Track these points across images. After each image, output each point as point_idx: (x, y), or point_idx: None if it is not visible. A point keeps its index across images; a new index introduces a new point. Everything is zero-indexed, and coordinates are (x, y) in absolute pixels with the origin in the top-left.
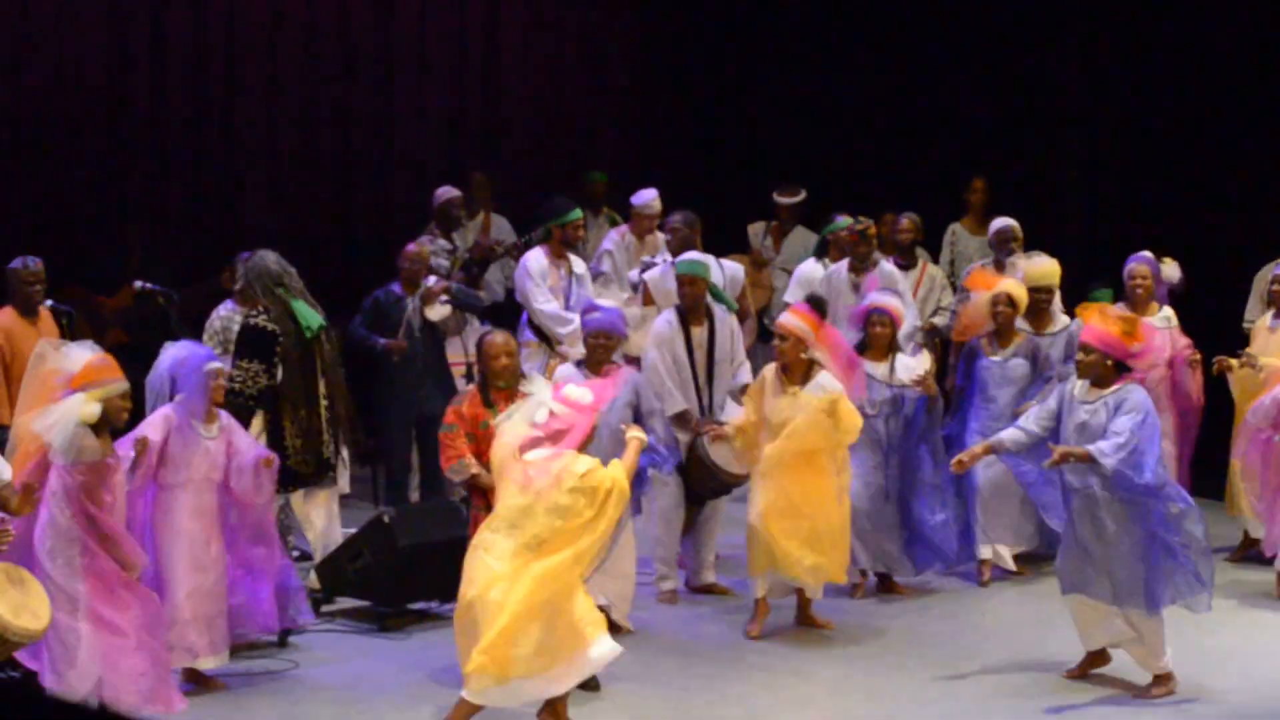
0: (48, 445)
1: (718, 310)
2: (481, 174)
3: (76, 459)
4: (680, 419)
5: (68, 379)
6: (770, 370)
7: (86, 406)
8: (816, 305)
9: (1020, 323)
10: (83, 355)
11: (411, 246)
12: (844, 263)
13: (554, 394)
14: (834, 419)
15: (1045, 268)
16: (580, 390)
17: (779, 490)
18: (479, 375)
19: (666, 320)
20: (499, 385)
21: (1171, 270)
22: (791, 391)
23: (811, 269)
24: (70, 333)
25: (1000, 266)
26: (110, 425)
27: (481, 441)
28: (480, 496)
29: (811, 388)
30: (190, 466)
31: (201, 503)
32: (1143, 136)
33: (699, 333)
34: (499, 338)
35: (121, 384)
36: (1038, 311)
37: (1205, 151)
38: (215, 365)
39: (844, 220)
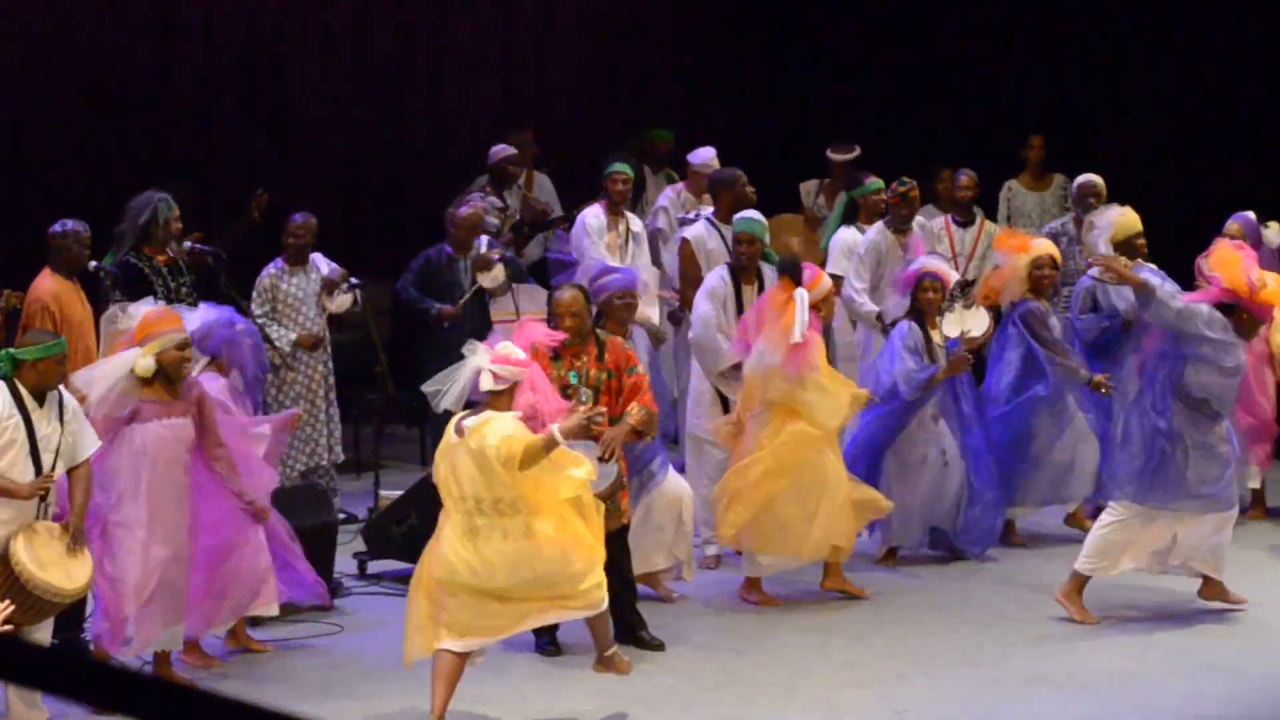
0: (85, 398)
1: (768, 270)
2: (519, 132)
3: (109, 413)
4: (735, 372)
5: (130, 336)
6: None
7: (141, 360)
8: (790, 268)
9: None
10: (142, 310)
11: (465, 209)
12: (878, 226)
13: (491, 358)
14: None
15: (1131, 217)
16: (511, 345)
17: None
18: None
19: (720, 276)
20: (566, 343)
21: (1273, 235)
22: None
23: (848, 236)
24: (112, 299)
25: (1079, 222)
26: (168, 376)
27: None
28: None
29: None
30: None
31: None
32: (1204, 89)
33: (750, 292)
34: (567, 294)
35: (178, 334)
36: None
37: (1271, 105)
38: (242, 326)
39: (874, 182)
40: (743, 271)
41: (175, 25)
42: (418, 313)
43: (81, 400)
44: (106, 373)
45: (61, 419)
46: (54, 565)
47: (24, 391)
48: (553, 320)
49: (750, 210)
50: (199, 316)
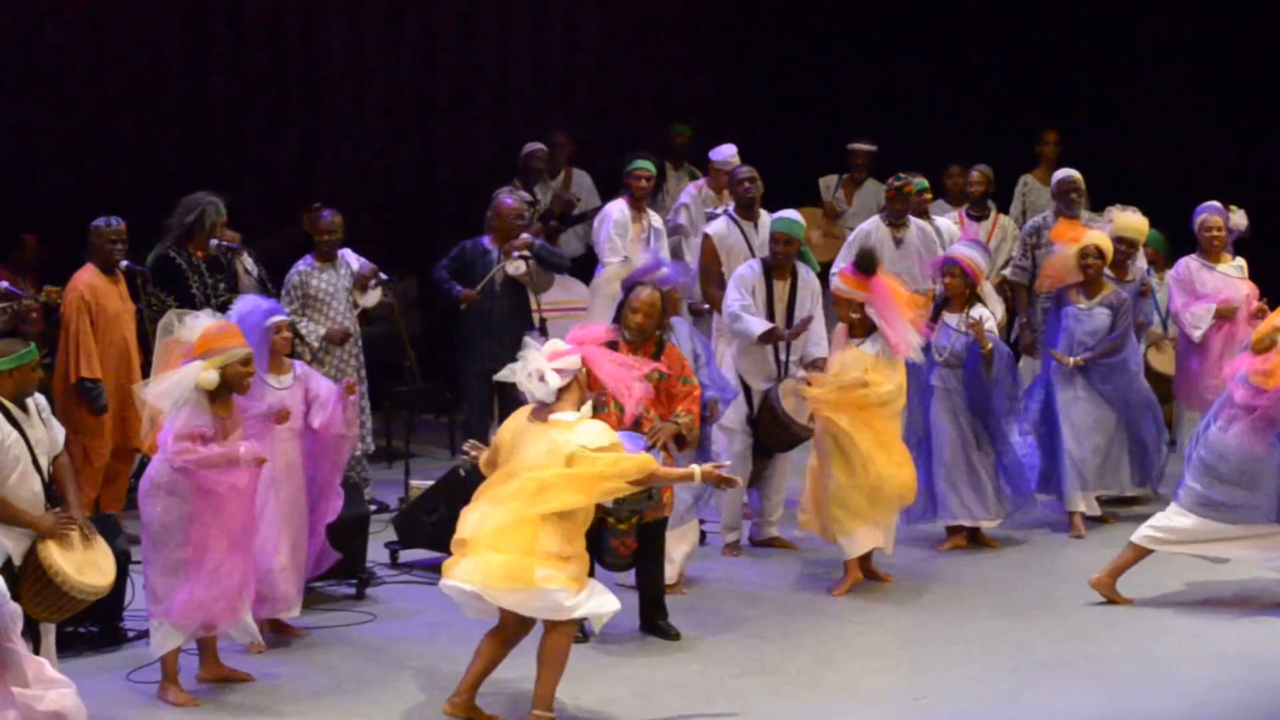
0: (157, 410)
1: (802, 269)
2: (561, 133)
3: (187, 424)
4: (767, 338)
5: (189, 348)
6: (841, 326)
7: (204, 374)
8: (864, 262)
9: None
10: (202, 323)
11: (510, 201)
12: (875, 219)
13: (546, 357)
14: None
15: (1133, 221)
16: (557, 342)
17: (848, 451)
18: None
19: (751, 266)
20: (626, 337)
21: (1239, 218)
22: (850, 346)
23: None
24: (145, 292)
25: (1059, 215)
26: (231, 390)
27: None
28: None
29: (867, 344)
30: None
31: (287, 453)
32: (1218, 85)
33: (781, 286)
34: (645, 293)
35: (242, 350)
36: (1119, 263)
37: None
38: (278, 318)
39: (920, 182)
40: (776, 269)
41: (206, 22)
42: (443, 293)
43: (157, 416)
44: (173, 387)
45: (42, 418)
46: (88, 566)
47: (8, 404)
48: (623, 311)
49: (789, 210)
50: (239, 307)
